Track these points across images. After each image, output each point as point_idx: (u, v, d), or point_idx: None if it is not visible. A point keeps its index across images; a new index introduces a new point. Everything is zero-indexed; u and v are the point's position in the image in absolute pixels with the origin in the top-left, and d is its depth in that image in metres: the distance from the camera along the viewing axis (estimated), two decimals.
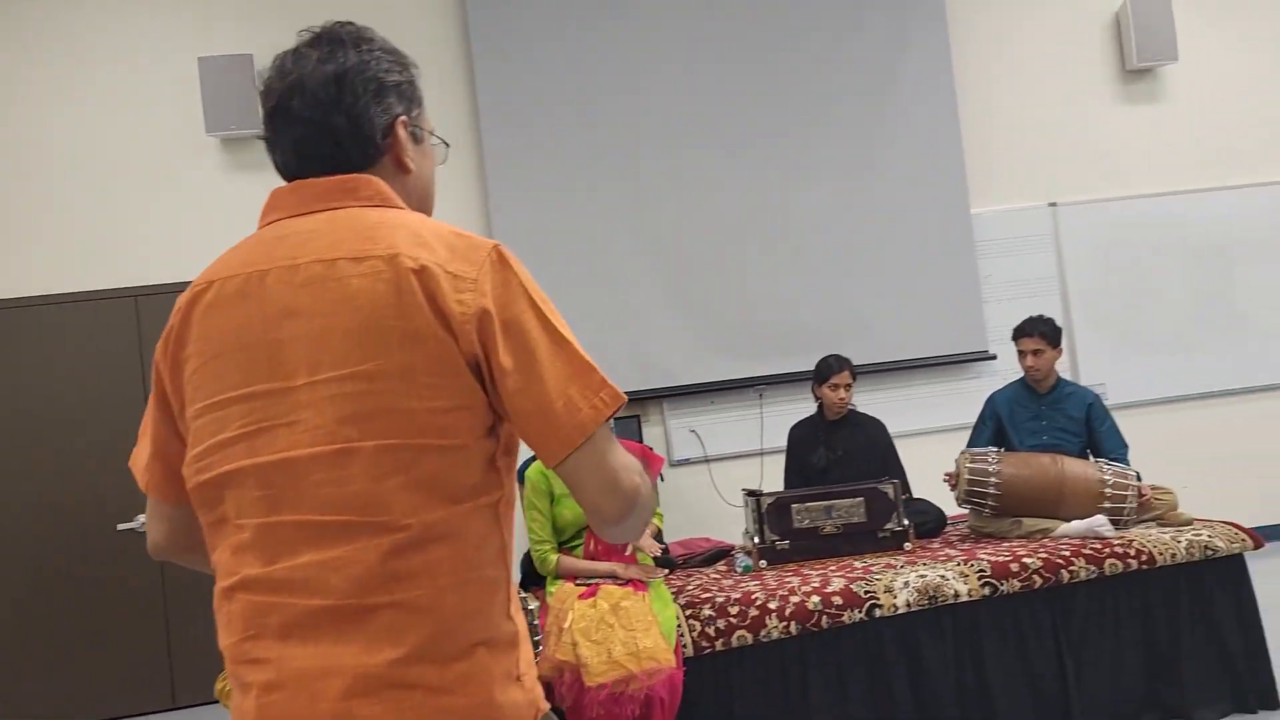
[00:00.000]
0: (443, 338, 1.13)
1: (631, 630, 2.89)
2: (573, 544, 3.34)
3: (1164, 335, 5.95)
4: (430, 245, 1.17)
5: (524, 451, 3.85)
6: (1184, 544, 3.47)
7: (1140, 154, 6.02)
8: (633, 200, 5.45)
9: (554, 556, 3.26)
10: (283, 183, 1.28)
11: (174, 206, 5.18)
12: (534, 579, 3.44)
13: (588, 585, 3.12)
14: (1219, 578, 3.52)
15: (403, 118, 1.29)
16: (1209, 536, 3.51)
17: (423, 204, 1.35)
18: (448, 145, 1.42)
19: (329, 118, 1.24)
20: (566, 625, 2.93)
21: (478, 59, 5.37)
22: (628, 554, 3.26)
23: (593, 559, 3.27)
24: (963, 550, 3.62)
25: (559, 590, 3.14)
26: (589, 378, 1.18)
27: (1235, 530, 3.56)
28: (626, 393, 4.88)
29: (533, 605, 2.49)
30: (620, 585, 3.11)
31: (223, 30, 5.24)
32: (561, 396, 1.15)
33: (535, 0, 5.41)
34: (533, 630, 2.62)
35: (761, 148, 5.57)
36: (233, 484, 1.17)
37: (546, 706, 1.24)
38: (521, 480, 3.53)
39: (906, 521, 3.74)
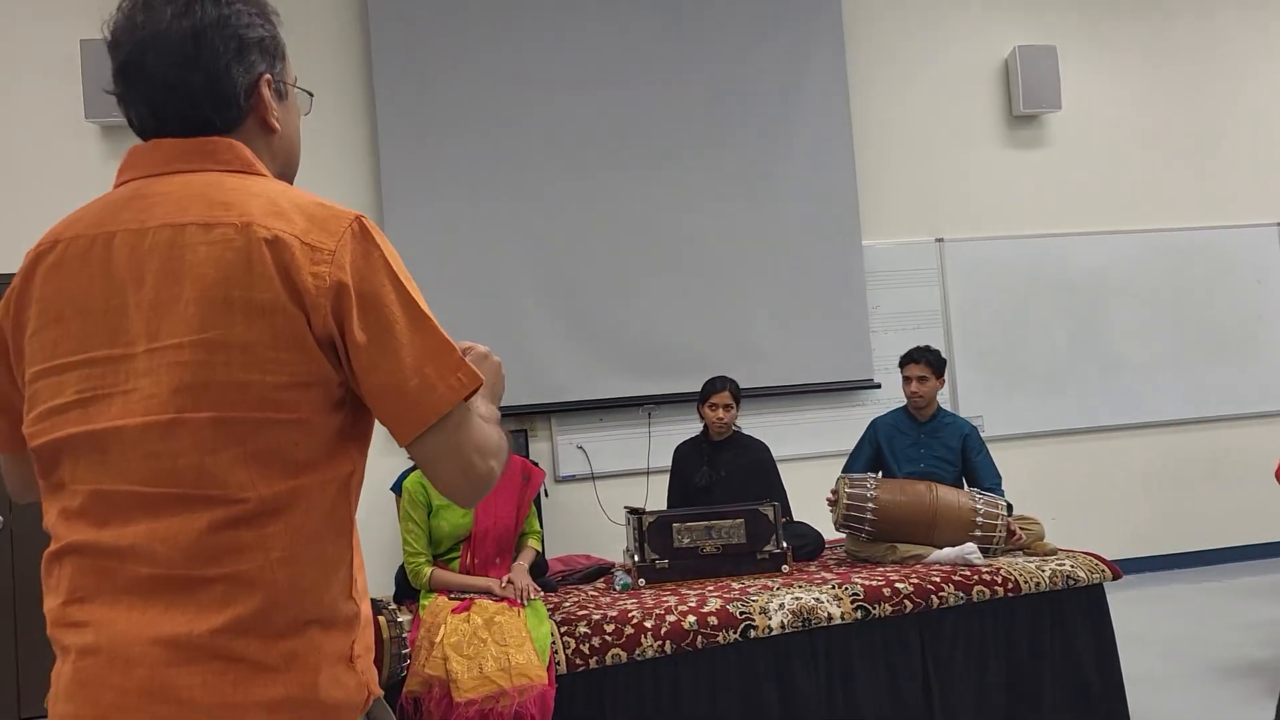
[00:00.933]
0: (292, 312, 1.09)
1: (504, 646, 2.84)
2: (449, 556, 3.28)
3: (1040, 371, 6.17)
4: (287, 215, 1.13)
5: (402, 461, 3.78)
6: (1048, 573, 3.58)
7: (1023, 196, 6.25)
8: (528, 215, 5.42)
9: (428, 570, 3.19)
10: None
11: (48, 194, 4.94)
12: (407, 592, 3.36)
13: (462, 599, 3.06)
14: (1079, 607, 3.63)
15: (267, 76, 1.24)
16: (1071, 567, 3.63)
17: (289, 161, 1.31)
18: (311, 95, 1.36)
19: (186, 77, 1.19)
20: (438, 639, 2.87)
21: (377, 71, 5.28)
22: (501, 566, 3.21)
23: (468, 573, 3.21)
24: (838, 574, 3.67)
25: (432, 604, 3.07)
26: (447, 357, 1.16)
27: (1096, 561, 3.70)
28: (515, 407, 4.85)
29: (403, 618, 2.43)
30: (495, 600, 3.05)
31: (108, 13, 5.03)
32: (417, 374, 1.13)
33: (436, 13, 5.36)
34: (402, 643, 2.56)
35: (660, 169, 5.61)
36: (67, 450, 1.12)
37: (380, 691, 1.21)
38: (399, 490, 3.45)
39: (785, 544, 3.78)
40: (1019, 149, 6.28)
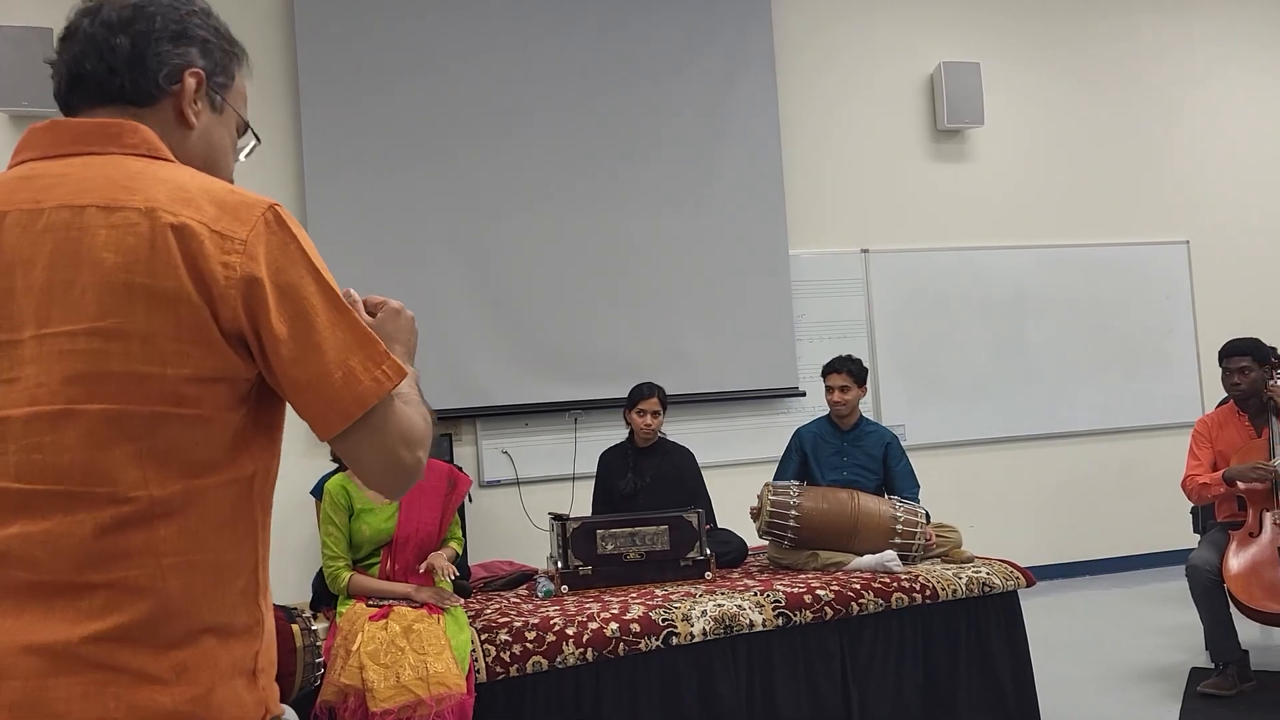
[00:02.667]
0: (197, 303, 1.04)
1: (423, 654, 2.80)
2: (368, 562, 3.22)
3: (961, 382, 6.29)
4: (196, 202, 1.07)
5: (323, 465, 3.70)
6: (964, 580, 3.65)
7: (947, 209, 6.37)
8: (456, 217, 5.37)
9: (347, 574, 3.13)
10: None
11: None
12: (325, 599, 3.29)
13: (380, 606, 3.01)
14: (994, 613, 3.71)
15: (198, 71, 1.20)
16: (987, 574, 3.70)
17: (208, 170, 1.24)
18: (259, 140, 1.33)
19: (113, 38, 1.15)
20: (355, 648, 2.82)
21: (302, 68, 5.19)
22: (422, 573, 3.17)
23: (388, 579, 3.16)
24: (761, 581, 3.69)
25: (349, 611, 3.02)
26: (371, 349, 1.12)
27: (1011, 569, 3.78)
28: (439, 411, 4.77)
29: (317, 626, 2.38)
30: (415, 608, 3.01)
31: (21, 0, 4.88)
32: (340, 367, 1.09)
33: (365, 14, 5.28)
34: (316, 651, 2.50)
35: (590, 175, 5.60)
36: None
37: (280, 710, 1.16)
38: (319, 494, 3.39)
39: (709, 551, 3.79)
40: (943, 163, 6.40)
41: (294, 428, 5.27)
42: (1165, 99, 6.82)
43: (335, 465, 3.52)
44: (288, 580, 4.66)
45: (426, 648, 2.82)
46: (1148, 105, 6.79)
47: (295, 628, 2.37)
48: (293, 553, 4.79)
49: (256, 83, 5.16)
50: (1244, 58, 7.01)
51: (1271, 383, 4.12)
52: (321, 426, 1.11)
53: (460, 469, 3.87)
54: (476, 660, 2.97)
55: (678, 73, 5.78)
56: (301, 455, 5.01)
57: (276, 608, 2.69)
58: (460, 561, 3.55)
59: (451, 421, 5.31)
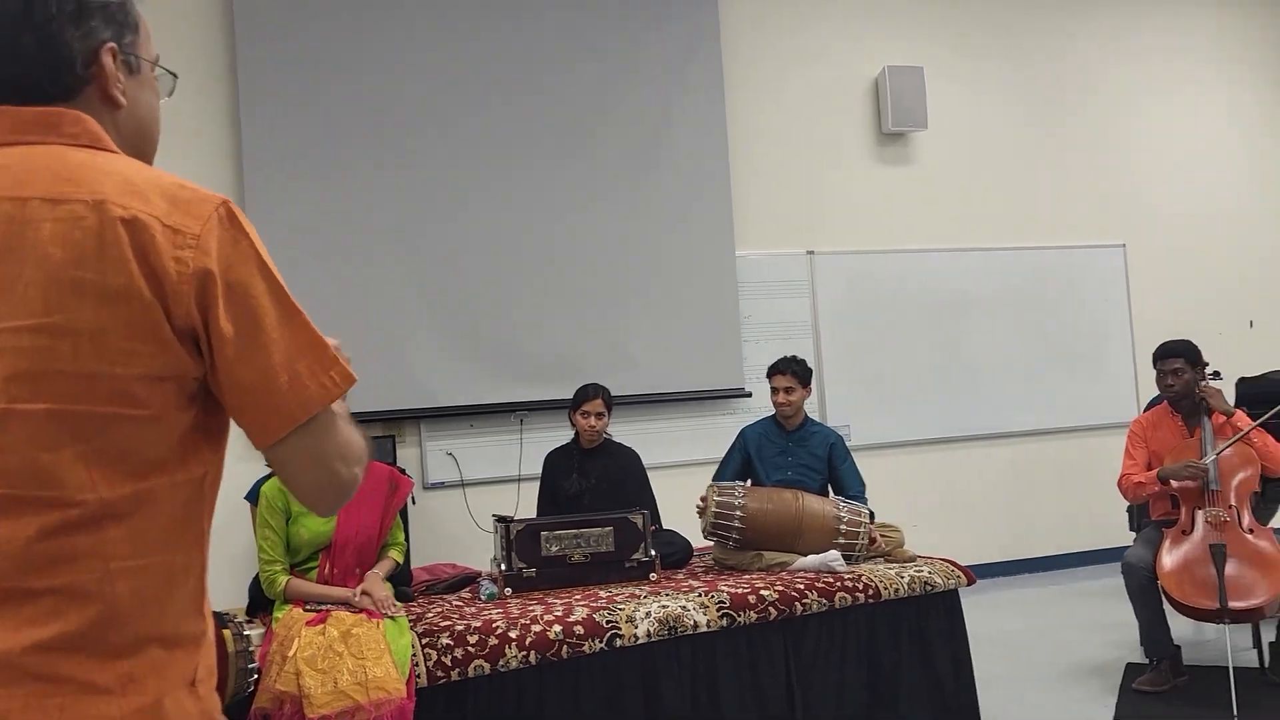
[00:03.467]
0: (148, 300, 1.00)
1: (361, 659, 2.75)
2: (306, 566, 3.16)
3: (904, 383, 6.36)
4: (145, 195, 1.03)
5: (258, 468, 3.64)
6: (906, 579, 3.68)
7: (891, 211, 6.43)
8: (399, 217, 5.31)
9: (284, 579, 3.07)
10: None
11: None
12: (261, 604, 3.23)
13: (318, 611, 2.95)
14: (936, 611, 3.74)
15: (111, 44, 1.13)
16: (929, 573, 3.74)
17: (140, 142, 1.20)
18: (174, 76, 1.27)
19: (17, 38, 1.08)
20: (291, 653, 2.76)
21: (241, 65, 5.10)
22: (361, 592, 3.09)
23: (326, 583, 3.10)
24: (705, 582, 3.69)
25: (286, 616, 2.96)
26: (320, 353, 1.09)
27: (952, 567, 3.81)
28: (383, 412, 4.72)
29: (249, 631, 2.32)
30: (353, 612, 2.96)
31: None
32: (287, 370, 1.06)
33: (304, 11, 5.20)
34: (248, 658, 2.44)
35: (536, 176, 5.57)
36: None
37: None
38: (255, 498, 3.33)
39: (654, 552, 3.78)
40: (887, 165, 6.46)
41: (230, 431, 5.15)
42: (1104, 106, 6.96)
43: (271, 469, 3.45)
44: (224, 586, 4.55)
45: (365, 652, 2.77)
46: (1087, 112, 6.92)
47: (227, 633, 2.32)
48: (228, 558, 4.70)
49: (195, 79, 5.06)
50: (1179, 70, 7.18)
51: (1203, 384, 4.21)
52: (261, 431, 1.07)
53: (403, 471, 3.82)
54: (417, 664, 2.93)
55: (625, 74, 5.77)
56: (238, 459, 4.86)
57: None
58: (402, 566, 3.50)
59: (395, 423, 5.24)
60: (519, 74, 5.57)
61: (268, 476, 3.31)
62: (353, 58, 5.28)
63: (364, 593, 3.04)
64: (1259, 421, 4.12)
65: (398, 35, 5.36)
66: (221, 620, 2.37)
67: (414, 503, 5.02)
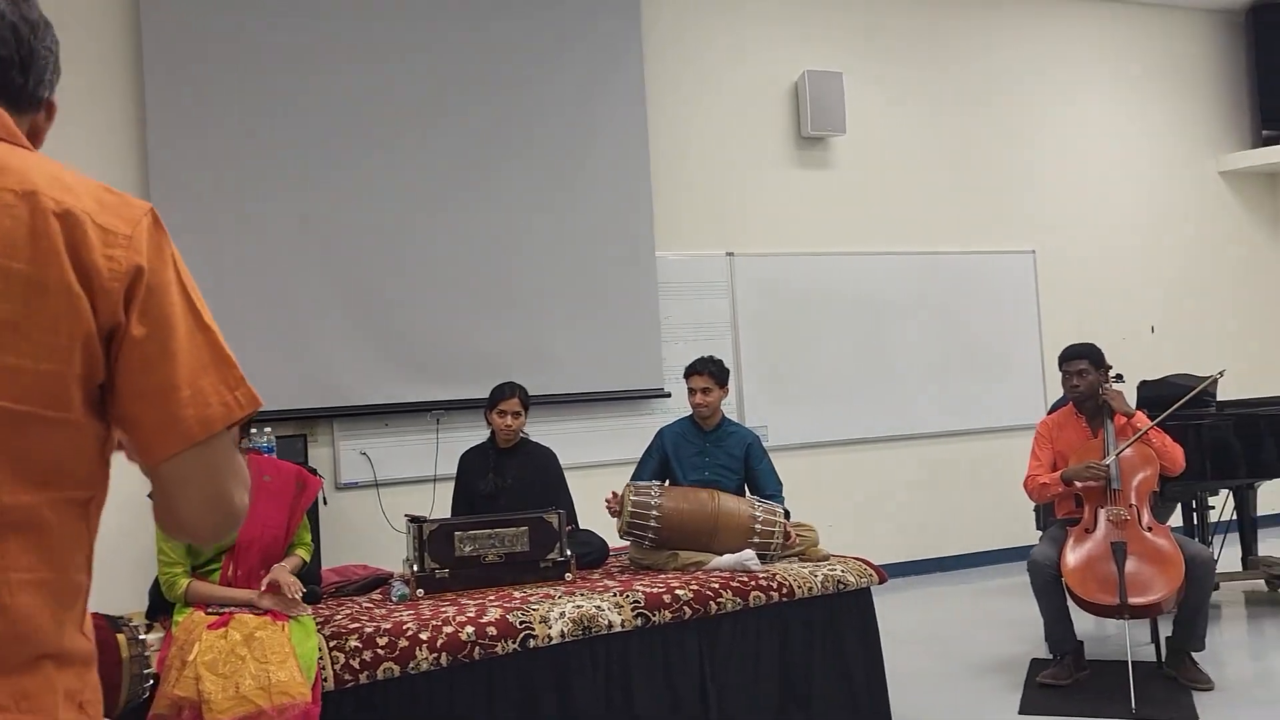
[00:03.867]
0: (77, 294, 0.96)
1: (265, 663, 2.68)
2: (209, 568, 3.06)
3: (821, 384, 6.43)
4: (76, 191, 1.00)
5: None
6: (820, 578, 3.71)
7: (809, 214, 6.50)
8: (313, 212, 5.20)
9: (185, 581, 2.97)
10: None
11: None
12: (161, 607, 3.12)
13: (220, 614, 2.86)
14: (848, 609, 3.78)
15: (54, 102, 1.16)
16: (842, 571, 3.78)
17: None
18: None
19: (30, 36, 1.10)
20: (191, 658, 2.67)
21: (147, 56, 4.94)
22: (265, 588, 2.99)
23: (230, 585, 3.01)
24: (621, 581, 3.68)
25: (186, 619, 2.86)
26: (228, 372, 1.06)
27: (865, 566, 3.86)
28: (294, 411, 4.61)
29: (146, 635, 2.23)
30: (257, 615, 2.88)
31: None
32: (190, 384, 1.02)
33: (216, 10, 5.07)
34: (144, 662, 2.35)
35: (455, 173, 5.50)
36: None
37: None
38: None
39: (569, 552, 3.76)
40: (806, 169, 6.53)
41: None
42: (1017, 117, 7.13)
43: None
44: (123, 590, 4.40)
45: (269, 656, 2.70)
46: (1001, 122, 7.08)
47: (121, 637, 2.23)
48: (130, 560, 4.55)
49: (99, 72, 4.90)
50: (1090, 83, 7.39)
51: (1106, 386, 4.33)
52: (153, 445, 1.02)
53: (314, 471, 3.74)
54: (323, 668, 2.86)
55: (546, 73, 5.74)
56: None
57: (100, 616, 2.54)
58: (311, 567, 3.42)
59: (307, 422, 5.13)
60: (441, 72, 5.51)
61: None
62: (268, 51, 5.16)
63: (269, 582, 2.96)
64: (1156, 421, 4.25)
65: (316, 24, 5.25)
66: (115, 624, 2.28)
67: (325, 503, 4.92)
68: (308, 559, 3.25)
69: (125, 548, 4.68)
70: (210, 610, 2.90)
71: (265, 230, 5.10)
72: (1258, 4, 7.72)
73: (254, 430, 4.35)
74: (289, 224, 5.15)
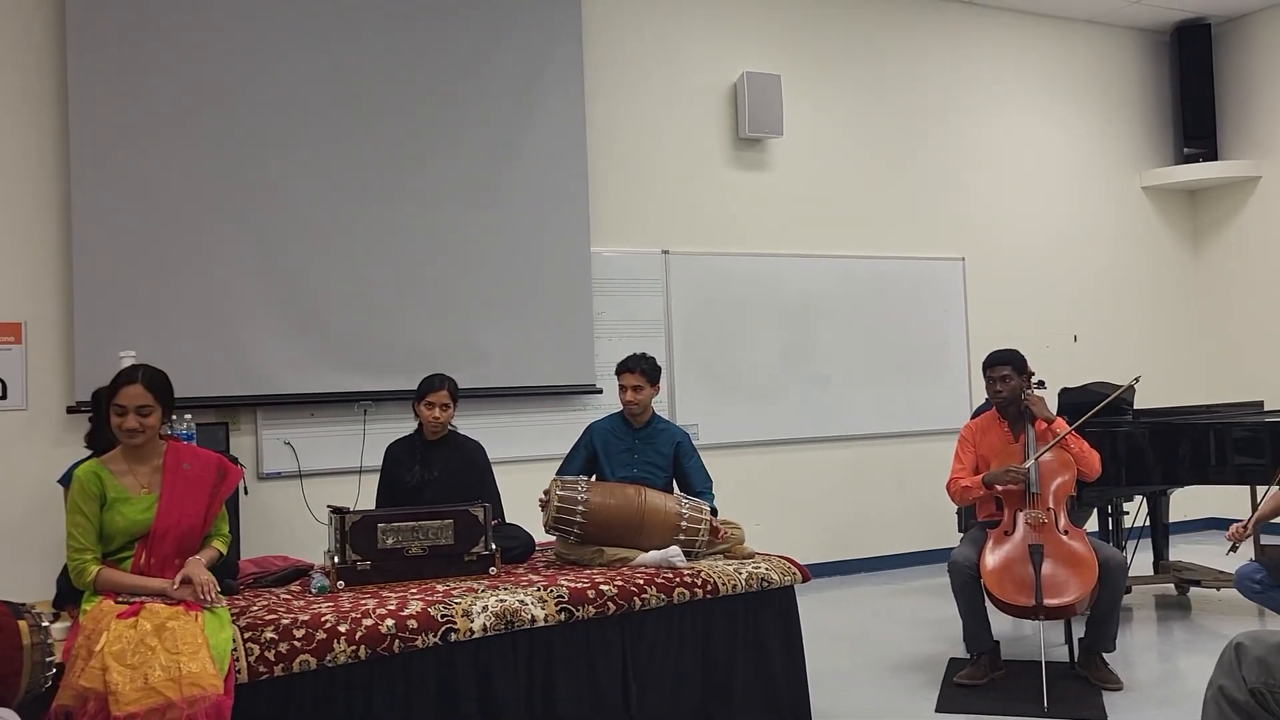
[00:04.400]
0: None
1: (176, 654, 2.61)
2: (121, 555, 2.97)
3: (753, 384, 6.48)
4: None
5: (75, 452, 3.42)
6: (744, 576, 3.73)
7: (745, 215, 6.54)
8: (241, 199, 5.10)
9: (95, 568, 2.88)
10: None
11: None
12: (70, 596, 3.03)
13: (130, 603, 2.78)
14: (771, 607, 3.81)
15: None
16: (766, 569, 3.80)
17: None
18: None
19: None
20: (98, 647, 2.59)
21: (71, 34, 4.80)
22: (180, 583, 2.90)
23: (142, 574, 2.93)
24: (546, 576, 3.66)
25: (95, 608, 2.77)
26: None
27: (789, 564, 3.89)
28: (216, 398, 4.51)
29: (48, 624, 2.16)
30: (170, 604, 2.80)
31: None
32: None
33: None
34: (47, 650, 2.28)
35: (388, 162, 5.43)
36: None
37: None
38: (68, 482, 3.12)
39: (494, 546, 3.73)
40: (743, 170, 6.57)
41: (43, 415, 4.81)
42: (948, 125, 7.25)
43: (89, 452, 3.25)
44: (31, 577, 4.28)
45: (180, 647, 2.62)
46: (934, 128, 7.19)
47: (23, 624, 2.17)
48: (40, 548, 4.43)
49: (21, 50, 4.75)
50: (1020, 95, 7.54)
51: (1028, 391, 4.42)
52: None
53: (236, 460, 3.66)
54: (237, 660, 2.80)
55: (483, 66, 5.69)
56: (53, 444, 4.64)
57: (2, 603, 2.46)
58: (228, 558, 3.34)
59: (229, 409, 5.03)
60: (376, 62, 5.43)
61: (83, 460, 3.11)
62: (197, 34, 5.03)
63: (184, 579, 2.87)
64: (1074, 426, 4.35)
65: (250, 9, 5.14)
66: (17, 611, 2.21)
67: (246, 493, 4.82)
68: (225, 551, 3.17)
69: (33, 535, 4.55)
70: (120, 599, 2.81)
71: (191, 217, 4.99)
72: (1184, 24, 7.96)
73: (174, 417, 4.24)
74: (216, 211, 5.04)
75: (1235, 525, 4.08)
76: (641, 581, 3.55)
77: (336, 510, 3.58)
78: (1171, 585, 5.71)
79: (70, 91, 4.79)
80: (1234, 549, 4.00)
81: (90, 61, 4.82)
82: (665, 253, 6.27)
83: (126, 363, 3.60)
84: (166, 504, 3.01)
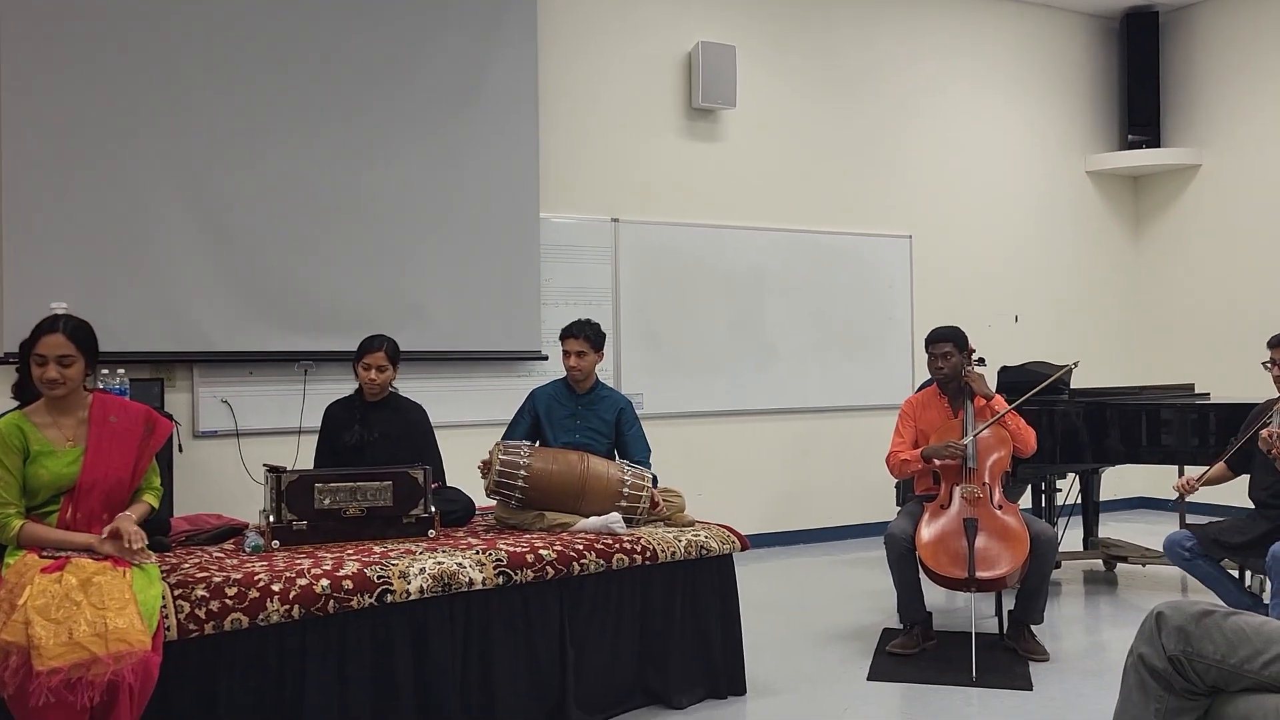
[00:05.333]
0: None
1: (102, 609, 2.55)
2: (46, 509, 2.90)
3: (698, 355, 6.49)
4: None
5: (2, 404, 3.32)
6: (683, 543, 3.75)
7: (696, 185, 6.53)
8: (179, 151, 4.99)
9: (18, 523, 2.81)
10: None
11: None
12: None
13: (55, 558, 2.72)
14: (710, 575, 3.83)
15: None
16: (705, 537, 3.82)
17: None
18: None
19: None
20: (21, 601, 2.53)
21: None
22: (107, 536, 2.83)
23: (68, 529, 2.86)
24: (485, 539, 3.64)
25: (18, 562, 2.71)
26: None
27: (728, 533, 3.91)
28: (151, 353, 4.41)
29: None
30: (97, 559, 2.74)
31: None
32: None
33: None
34: None
35: (336, 120, 5.34)
36: None
37: None
38: None
39: (434, 509, 3.70)
40: (695, 140, 6.55)
41: None
42: (899, 104, 7.28)
43: (16, 404, 3.15)
44: None
45: (107, 602, 2.57)
46: (884, 108, 7.22)
47: None
48: None
49: None
50: (970, 77, 7.60)
51: (969, 368, 4.48)
52: None
53: (170, 416, 3.58)
54: (166, 616, 2.75)
55: (435, 24, 5.60)
56: None
57: None
58: (160, 514, 3.28)
59: (164, 365, 4.93)
60: (323, 15, 5.31)
61: (6, 413, 3.02)
62: None
63: (111, 533, 2.81)
64: (1013, 405, 4.42)
65: None
66: None
67: (180, 450, 4.73)
68: (156, 505, 3.11)
69: None
70: (45, 554, 2.75)
71: (127, 168, 4.86)
72: (1132, 12, 8.06)
73: (105, 371, 4.15)
74: (153, 163, 4.92)
75: (1185, 478, 4.34)
76: (581, 547, 3.55)
77: (273, 469, 3.52)
78: (1100, 561, 5.85)
79: (2, 39, 4.62)
80: (1180, 500, 4.33)
81: (15, 6, 4.65)
82: (615, 221, 6.24)
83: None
84: (92, 457, 2.94)
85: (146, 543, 2.85)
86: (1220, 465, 4.47)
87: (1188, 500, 4.45)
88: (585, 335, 4.23)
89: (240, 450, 5.09)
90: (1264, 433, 4.01)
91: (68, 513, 2.88)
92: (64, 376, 2.88)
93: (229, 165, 5.07)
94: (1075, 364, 4.99)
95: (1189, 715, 1.85)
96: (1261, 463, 4.20)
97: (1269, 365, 4.30)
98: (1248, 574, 4.60)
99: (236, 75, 5.09)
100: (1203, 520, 4.56)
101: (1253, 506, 4.37)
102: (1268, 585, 4.08)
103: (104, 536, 2.81)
